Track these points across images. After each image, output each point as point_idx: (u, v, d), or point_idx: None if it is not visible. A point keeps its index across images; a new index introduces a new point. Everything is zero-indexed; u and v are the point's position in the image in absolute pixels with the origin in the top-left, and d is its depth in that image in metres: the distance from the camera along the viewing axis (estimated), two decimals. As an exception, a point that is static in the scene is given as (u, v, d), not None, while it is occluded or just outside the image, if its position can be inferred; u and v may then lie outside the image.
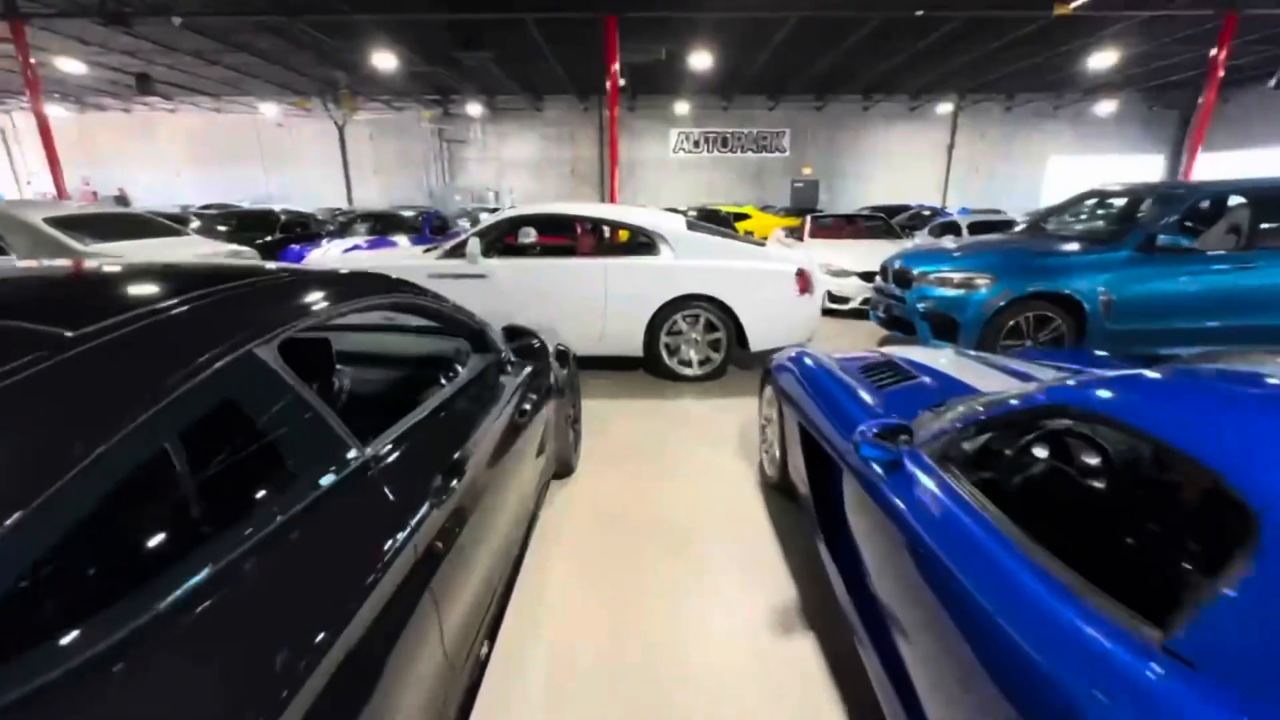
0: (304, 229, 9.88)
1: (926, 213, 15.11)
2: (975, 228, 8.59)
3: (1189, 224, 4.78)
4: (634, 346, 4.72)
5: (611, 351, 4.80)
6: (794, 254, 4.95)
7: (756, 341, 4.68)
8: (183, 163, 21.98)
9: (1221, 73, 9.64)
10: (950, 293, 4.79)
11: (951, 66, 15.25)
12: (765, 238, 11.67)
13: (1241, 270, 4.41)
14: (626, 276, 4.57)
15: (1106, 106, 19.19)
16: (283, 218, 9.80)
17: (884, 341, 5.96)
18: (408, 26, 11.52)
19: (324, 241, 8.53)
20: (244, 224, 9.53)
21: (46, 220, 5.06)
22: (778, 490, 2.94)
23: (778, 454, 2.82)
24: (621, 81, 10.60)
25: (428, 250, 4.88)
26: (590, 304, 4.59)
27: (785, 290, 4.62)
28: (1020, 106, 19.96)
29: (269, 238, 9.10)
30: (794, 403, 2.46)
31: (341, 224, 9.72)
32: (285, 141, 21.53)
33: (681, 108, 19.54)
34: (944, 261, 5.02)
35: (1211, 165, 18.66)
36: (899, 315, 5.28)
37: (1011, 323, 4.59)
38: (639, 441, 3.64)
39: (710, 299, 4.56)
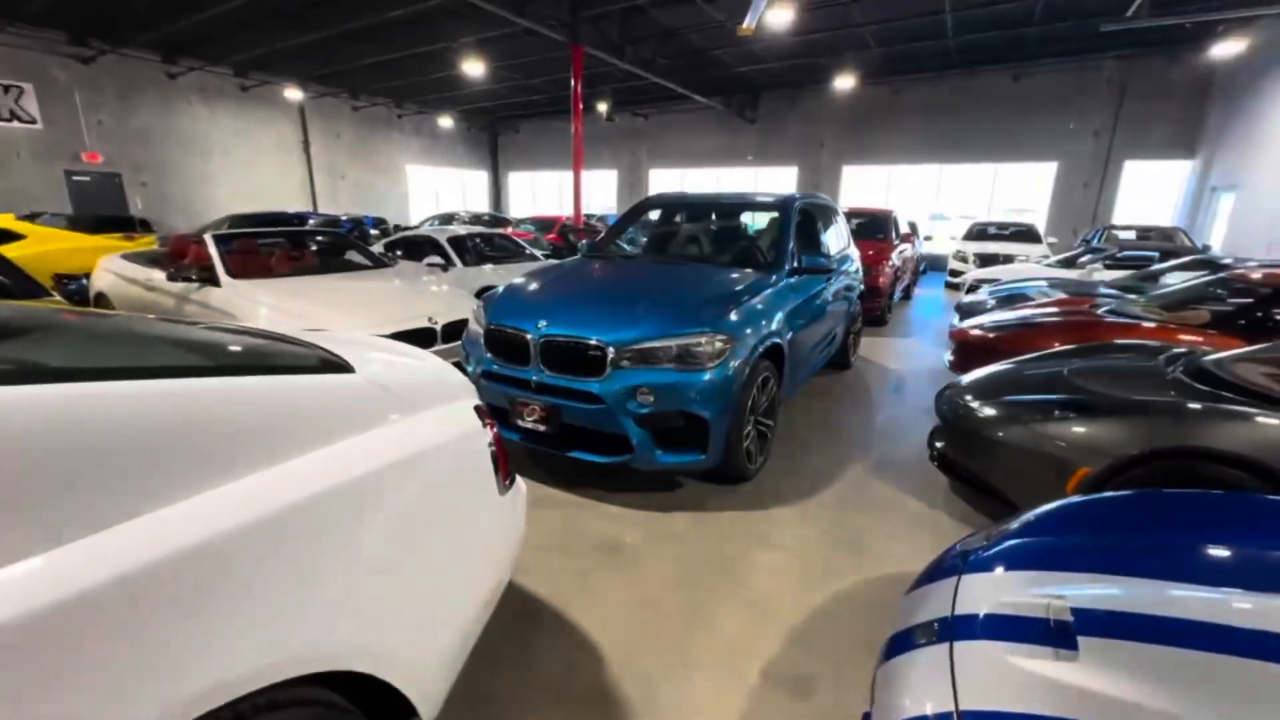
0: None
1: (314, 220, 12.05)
2: (459, 245, 6.54)
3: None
4: None
5: None
6: (439, 367, 1.72)
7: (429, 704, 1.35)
8: None
9: (581, 104, 10.94)
10: (680, 374, 2.76)
11: (288, 43, 12.20)
12: (87, 273, 6.04)
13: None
14: None
15: (445, 122, 20.51)
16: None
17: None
18: None
19: None
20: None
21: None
22: None
23: None
24: None
25: None
26: None
27: (482, 505, 1.48)
28: (369, 108, 18.81)
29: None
30: None
31: None
32: None
33: None
34: (651, 323, 2.90)
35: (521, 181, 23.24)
36: (589, 426, 2.86)
37: (749, 401, 3.03)
38: None
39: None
